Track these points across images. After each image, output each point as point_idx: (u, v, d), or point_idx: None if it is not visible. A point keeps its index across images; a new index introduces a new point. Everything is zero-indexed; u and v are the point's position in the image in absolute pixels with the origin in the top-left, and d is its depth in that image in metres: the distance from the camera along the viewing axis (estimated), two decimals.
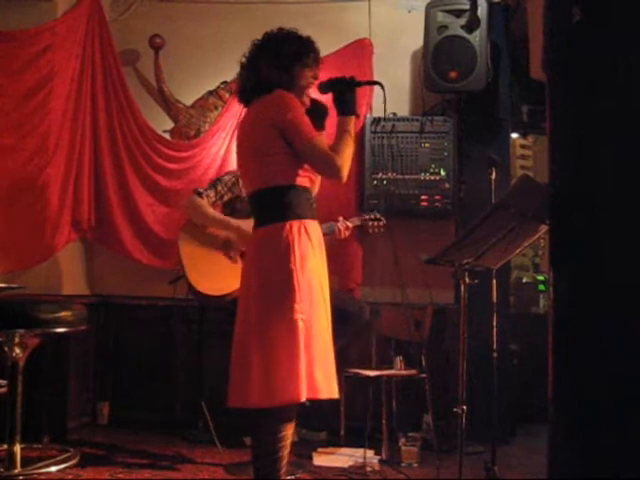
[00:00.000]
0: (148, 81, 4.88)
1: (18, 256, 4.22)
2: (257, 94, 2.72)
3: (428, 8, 4.38)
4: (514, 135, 5.93)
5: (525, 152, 6.66)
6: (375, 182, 4.43)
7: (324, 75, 2.86)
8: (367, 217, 4.13)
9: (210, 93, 4.84)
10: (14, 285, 3.79)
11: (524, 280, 6.02)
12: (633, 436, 1.83)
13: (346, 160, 2.67)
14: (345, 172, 2.67)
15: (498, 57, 4.53)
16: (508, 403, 4.27)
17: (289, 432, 2.63)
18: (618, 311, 1.89)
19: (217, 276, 3.71)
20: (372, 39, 4.65)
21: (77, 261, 4.67)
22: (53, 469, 3.52)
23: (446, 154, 4.44)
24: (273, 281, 2.61)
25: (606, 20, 1.96)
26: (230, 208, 3.92)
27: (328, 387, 2.63)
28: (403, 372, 4.09)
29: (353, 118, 2.76)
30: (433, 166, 4.43)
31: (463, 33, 4.28)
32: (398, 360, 4.12)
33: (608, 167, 1.96)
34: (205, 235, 3.81)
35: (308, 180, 2.73)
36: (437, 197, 4.40)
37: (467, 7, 4.27)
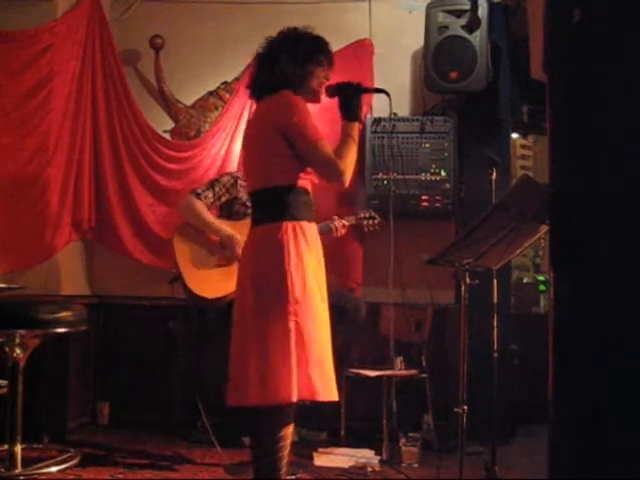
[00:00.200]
0: (148, 81, 4.88)
1: (18, 256, 4.22)
2: (268, 91, 2.73)
3: (429, 8, 4.38)
4: (514, 135, 5.93)
5: (525, 152, 6.66)
6: (375, 182, 4.44)
7: None
8: (362, 216, 4.14)
9: (210, 93, 4.84)
10: (15, 286, 3.78)
11: (525, 280, 6.02)
12: (633, 436, 1.83)
13: (349, 165, 2.68)
14: (347, 177, 2.68)
15: (498, 57, 4.53)
16: (508, 403, 4.26)
17: (288, 432, 2.63)
18: (618, 311, 1.90)
19: (213, 278, 3.71)
20: (373, 39, 4.65)
21: (77, 261, 4.67)
22: (54, 469, 3.52)
23: (446, 154, 4.43)
24: (267, 281, 2.60)
25: (606, 20, 1.96)
26: (227, 210, 3.92)
27: (325, 389, 2.61)
28: (403, 372, 4.09)
29: (357, 124, 2.77)
30: (433, 166, 4.42)
31: (463, 33, 4.28)
32: (398, 360, 4.12)
33: (608, 167, 1.96)
34: (200, 236, 3.82)
35: (309, 183, 2.74)
36: (437, 197, 4.40)
37: (467, 7, 4.27)
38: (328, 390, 2.62)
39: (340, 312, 3.70)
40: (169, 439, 4.27)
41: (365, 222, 4.13)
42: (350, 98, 2.76)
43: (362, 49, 4.61)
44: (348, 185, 2.73)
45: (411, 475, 3.62)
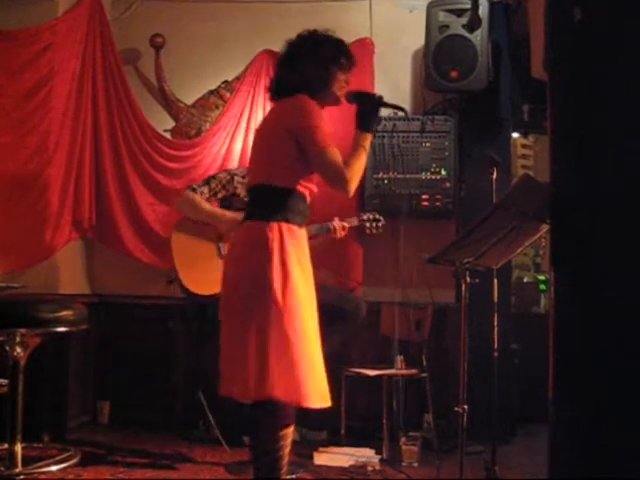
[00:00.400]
0: (149, 80, 4.88)
1: (18, 255, 4.22)
2: (287, 92, 2.72)
3: (429, 7, 4.38)
4: (515, 134, 5.92)
5: (526, 151, 6.65)
6: (376, 182, 4.43)
7: None
8: (365, 218, 4.10)
9: (211, 92, 4.84)
10: (15, 285, 3.79)
11: (525, 280, 6.02)
12: (633, 436, 1.83)
13: (355, 174, 2.66)
14: (353, 186, 2.66)
15: (499, 56, 4.52)
16: (508, 403, 4.26)
17: (289, 431, 2.62)
18: (618, 311, 1.89)
19: (209, 274, 3.71)
20: (373, 39, 4.65)
21: (77, 260, 4.67)
22: (54, 468, 3.52)
23: (447, 153, 4.43)
24: (252, 280, 2.58)
25: (607, 19, 1.96)
26: (226, 207, 3.92)
27: (316, 394, 2.56)
28: (404, 371, 4.09)
29: (370, 135, 2.75)
30: (434, 165, 4.42)
31: (464, 32, 4.28)
32: (399, 359, 4.11)
33: (609, 167, 1.96)
34: (199, 230, 3.82)
35: (308, 191, 2.73)
36: (438, 196, 4.40)
37: (468, 6, 4.27)
38: (320, 395, 2.57)
39: (339, 312, 3.70)
40: (169, 438, 4.27)
41: (368, 224, 4.09)
42: (368, 109, 2.74)
43: (363, 48, 4.60)
44: (352, 194, 2.72)
45: (411, 474, 3.62)
